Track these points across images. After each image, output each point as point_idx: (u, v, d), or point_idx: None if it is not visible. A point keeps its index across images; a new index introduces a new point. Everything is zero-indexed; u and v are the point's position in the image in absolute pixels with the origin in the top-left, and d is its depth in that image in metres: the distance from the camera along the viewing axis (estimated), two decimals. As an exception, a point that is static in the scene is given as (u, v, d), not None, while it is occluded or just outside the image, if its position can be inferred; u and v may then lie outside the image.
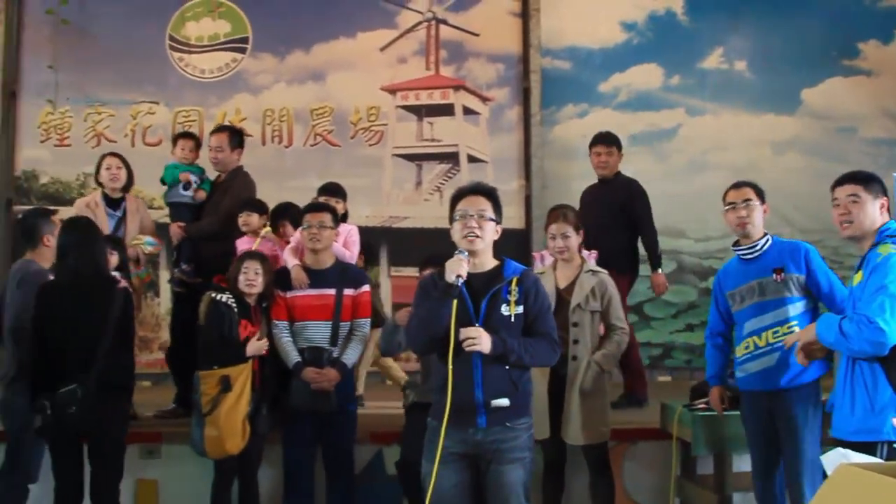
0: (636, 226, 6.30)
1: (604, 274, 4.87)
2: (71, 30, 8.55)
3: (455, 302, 3.58)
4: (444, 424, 3.54)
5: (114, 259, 5.34)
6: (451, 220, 3.76)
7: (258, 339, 4.94)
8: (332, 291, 5.10)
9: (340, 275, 5.16)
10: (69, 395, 4.47)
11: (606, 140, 6.47)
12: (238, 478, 5.05)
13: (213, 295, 5.04)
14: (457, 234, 3.73)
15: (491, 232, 3.73)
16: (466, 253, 3.66)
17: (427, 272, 4.19)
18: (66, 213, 8.33)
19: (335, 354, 5.05)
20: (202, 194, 6.22)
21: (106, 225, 5.84)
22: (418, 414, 4.46)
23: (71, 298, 4.60)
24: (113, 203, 6.03)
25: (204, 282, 5.62)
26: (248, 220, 5.78)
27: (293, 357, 5.04)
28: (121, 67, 8.61)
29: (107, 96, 8.63)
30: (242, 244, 5.69)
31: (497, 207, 3.77)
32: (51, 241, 5.00)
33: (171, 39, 8.70)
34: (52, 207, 6.46)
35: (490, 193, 3.80)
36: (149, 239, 6.34)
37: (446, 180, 8.67)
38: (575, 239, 4.85)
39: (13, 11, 8.60)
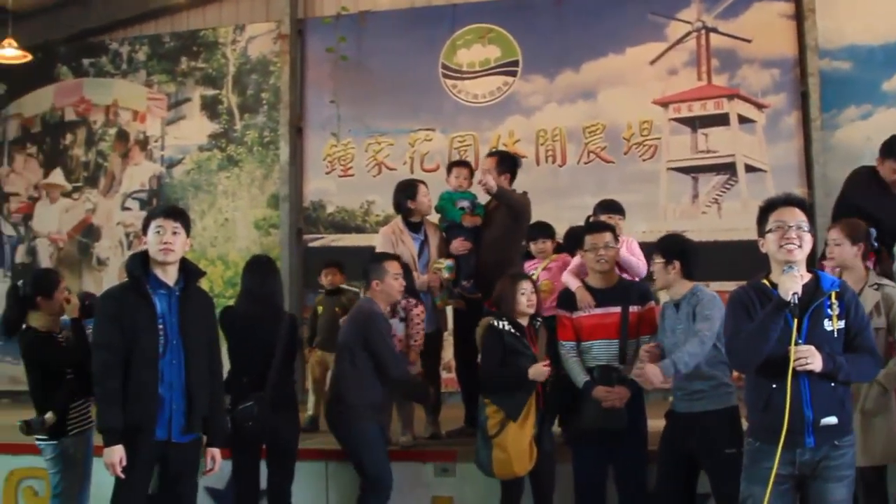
0: None
1: (890, 287, 4.79)
2: (350, 65, 9.38)
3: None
4: (780, 446, 3.60)
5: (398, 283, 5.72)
6: (762, 231, 3.84)
7: (540, 362, 5.12)
8: (618, 309, 5.17)
9: (625, 292, 5.25)
10: (248, 411, 5.15)
11: None
12: (534, 497, 5.31)
13: (492, 321, 5.26)
14: (772, 245, 3.76)
15: (808, 244, 3.79)
16: (796, 267, 3.71)
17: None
18: (352, 240, 9.35)
19: (624, 372, 5.06)
20: (477, 219, 6.48)
21: (413, 248, 6.29)
22: None
23: (247, 326, 5.27)
24: (414, 227, 6.41)
25: (483, 297, 5.99)
26: (544, 247, 6.08)
27: (582, 377, 5.13)
28: (397, 98, 9.36)
29: (385, 126, 9.40)
30: (531, 266, 6.04)
31: (812, 219, 3.91)
32: (379, 285, 5.54)
33: (443, 68, 9.37)
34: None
35: (803, 204, 3.88)
36: (448, 263, 6.52)
37: (724, 192, 8.95)
38: (849, 249, 4.79)
39: (297, 52, 9.54)
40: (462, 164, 6.89)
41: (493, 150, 7.94)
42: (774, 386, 3.67)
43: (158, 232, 4.26)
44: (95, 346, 4.31)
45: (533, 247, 6.11)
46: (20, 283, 5.48)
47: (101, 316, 4.33)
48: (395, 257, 5.77)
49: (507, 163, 6.56)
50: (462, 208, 6.42)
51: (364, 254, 6.78)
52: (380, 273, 5.52)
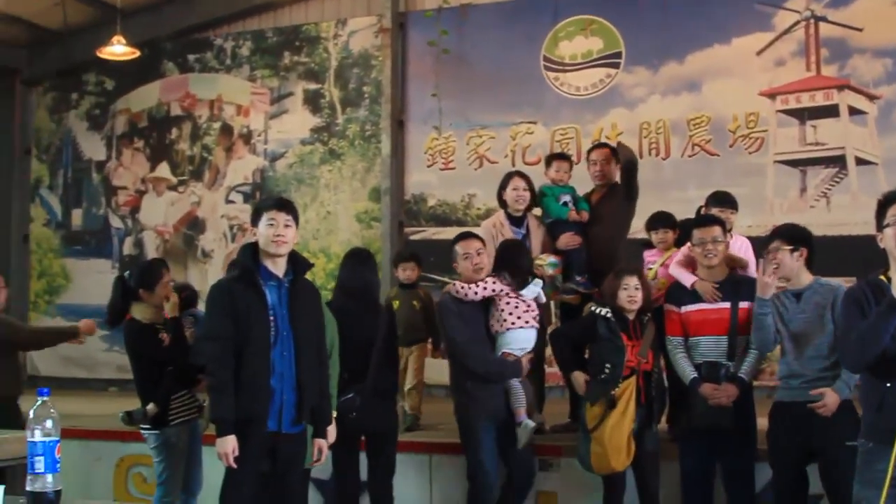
0: None
1: None
2: (451, 58, 9.56)
3: None
4: None
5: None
6: (880, 226, 3.77)
7: (639, 355, 5.19)
8: (727, 305, 5.16)
9: (735, 287, 5.21)
10: (349, 402, 5.28)
11: None
12: (638, 494, 5.37)
13: (593, 308, 5.38)
14: (890, 240, 3.70)
15: None
16: None
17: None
18: (453, 233, 9.45)
19: (732, 369, 5.11)
20: (584, 215, 6.45)
21: None
22: None
23: (343, 320, 5.32)
24: (516, 221, 6.38)
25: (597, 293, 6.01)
26: (665, 237, 6.05)
27: (689, 373, 5.15)
28: (499, 90, 9.52)
29: (487, 119, 9.56)
30: (650, 256, 6.07)
31: None
32: (457, 267, 5.56)
33: (545, 60, 9.49)
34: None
35: None
36: (552, 259, 6.41)
37: (833, 185, 8.89)
38: None
39: (398, 46, 9.76)
40: (562, 156, 6.91)
41: (599, 142, 7.96)
42: (889, 385, 3.66)
43: (271, 224, 4.32)
44: (207, 338, 4.41)
45: (654, 236, 6.10)
46: (126, 273, 5.70)
47: (212, 307, 4.40)
48: (469, 236, 5.70)
49: (616, 154, 6.54)
50: (565, 203, 6.42)
51: None
52: (453, 255, 5.55)
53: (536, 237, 6.37)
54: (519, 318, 5.49)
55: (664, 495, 5.39)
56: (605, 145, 6.87)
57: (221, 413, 4.22)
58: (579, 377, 5.35)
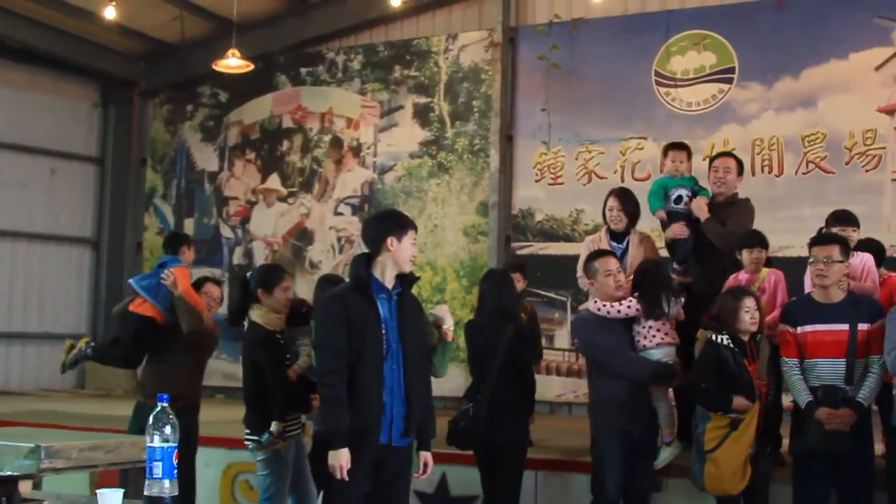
0: None
1: None
2: (561, 73, 9.88)
3: None
4: None
5: None
6: None
7: (759, 378, 5.23)
8: (846, 326, 5.12)
9: (854, 307, 5.18)
10: (464, 413, 5.59)
11: None
12: None
13: (712, 336, 5.34)
14: None
15: None
16: None
17: None
18: (560, 248, 9.81)
19: (850, 393, 5.06)
20: (703, 200, 6.43)
21: None
22: None
23: (478, 335, 5.67)
24: (617, 236, 6.45)
25: (690, 284, 6.13)
26: (759, 256, 5.99)
27: (805, 396, 5.13)
28: (609, 106, 9.79)
29: (596, 134, 9.84)
30: (742, 276, 5.99)
31: None
32: (594, 284, 5.67)
33: (657, 75, 9.73)
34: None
35: None
36: None
37: None
38: None
39: (508, 60, 10.12)
40: (680, 146, 6.89)
41: (726, 151, 8.04)
42: None
43: (414, 243, 4.44)
44: (322, 349, 4.45)
45: (747, 255, 6.02)
46: (248, 274, 5.95)
47: (328, 318, 4.45)
48: (606, 253, 5.80)
49: (741, 167, 6.67)
50: (679, 197, 6.48)
51: (571, 263, 6.88)
52: (591, 272, 5.63)
53: (636, 254, 6.40)
54: (653, 338, 5.65)
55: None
56: (730, 155, 6.94)
57: (336, 426, 4.26)
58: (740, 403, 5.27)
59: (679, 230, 6.45)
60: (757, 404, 5.16)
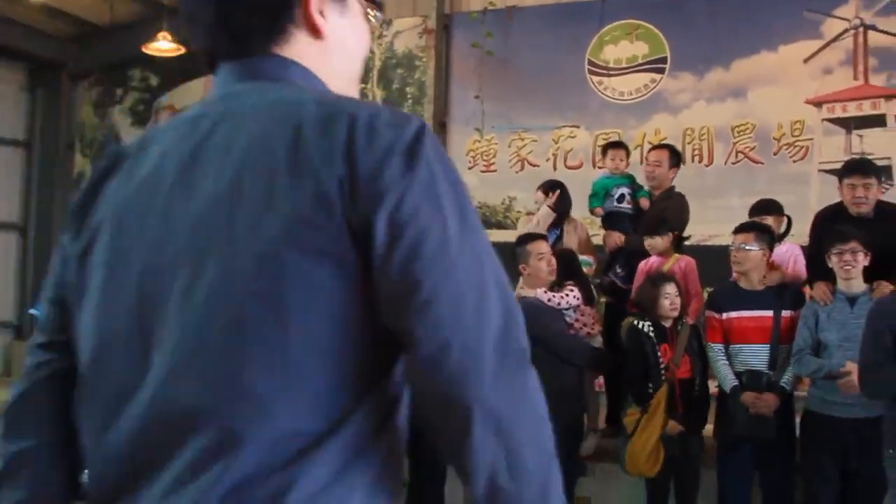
0: None
1: None
2: (495, 61, 9.90)
3: None
4: None
5: None
6: None
7: (672, 362, 5.45)
8: (770, 313, 5.39)
9: (778, 295, 5.47)
10: None
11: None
12: (676, 501, 5.61)
13: (634, 321, 5.61)
14: None
15: None
16: None
17: None
18: (494, 236, 9.81)
19: (773, 378, 5.30)
20: (645, 202, 6.73)
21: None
22: None
23: None
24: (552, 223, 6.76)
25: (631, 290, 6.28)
26: (653, 242, 6.24)
27: (730, 381, 5.34)
28: (542, 94, 9.84)
29: (529, 122, 9.88)
30: (652, 262, 6.24)
31: None
32: (526, 269, 5.77)
33: (590, 64, 9.80)
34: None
35: None
36: (585, 258, 6.72)
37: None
38: None
39: (442, 47, 10.12)
40: (618, 145, 7.14)
41: (661, 142, 8.20)
42: None
43: None
44: None
45: (647, 241, 6.22)
46: None
47: None
48: (537, 237, 5.90)
49: (677, 157, 6.93)
50: (621, 195, 6.71)
51: (505, 250, 6.94)
52: (524, 256, 5.69)
53: (569, 241, 6.65)
54: (593, 326, 5.89)
55: (702, 502, 5.60)
56: (663, 146, 7.17)
57: None
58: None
59: (617, 240, 6.65)
60: (664, 388, 5.34)
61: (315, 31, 1.47)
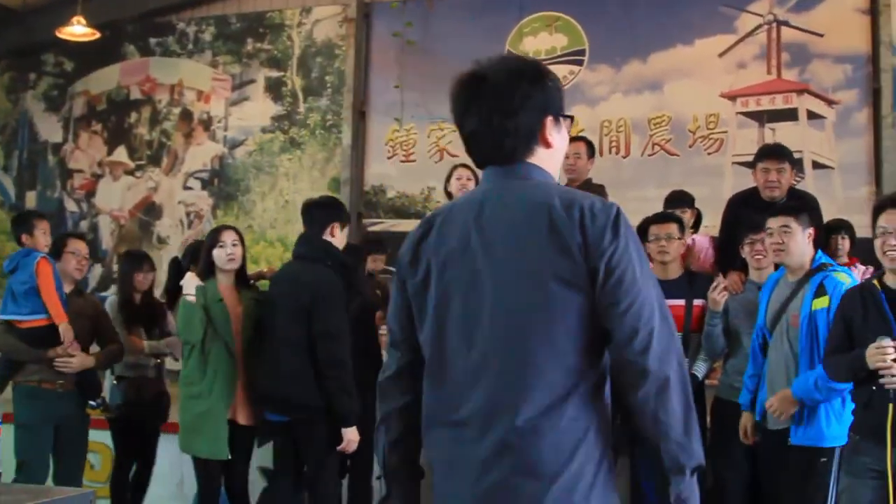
0: None
1: None
2: (415, 50, 9.90)
3: None
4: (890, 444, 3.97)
5: None
6: (874, 234, 4.12)
7: None
8: (682, 302, 5.44)
9: (689, 284, 5.54)
10: None
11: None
12: None
13: None
14: (877, 250, 4.09)
15: None
16: (888, 340, 3.94)
17: None
18: (412, 225, 9.79)
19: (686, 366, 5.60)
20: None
21: None
22: None
23: None
24: None
25: None
26: None
27: None
28: (462, 84, 9.78)
29: (449, 113, 9.68)
30: None
31: None
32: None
33: (510, 55, 9.78)
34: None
35: None
36: None
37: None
38: None
39: (362, 36, 10.09)
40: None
41: (577, 135, 8.22)
42: (874, 388, 4.03)
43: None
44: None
45: None
46: (179, 255, 6.04)
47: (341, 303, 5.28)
48: None
49: (592, 149, 7.02)
50: None
51: None
52: None
53: None
54: None
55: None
56: (580, 139, 7.21)
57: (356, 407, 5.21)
58: None
59: None
60: None
61: (547, 145, 2.57)
